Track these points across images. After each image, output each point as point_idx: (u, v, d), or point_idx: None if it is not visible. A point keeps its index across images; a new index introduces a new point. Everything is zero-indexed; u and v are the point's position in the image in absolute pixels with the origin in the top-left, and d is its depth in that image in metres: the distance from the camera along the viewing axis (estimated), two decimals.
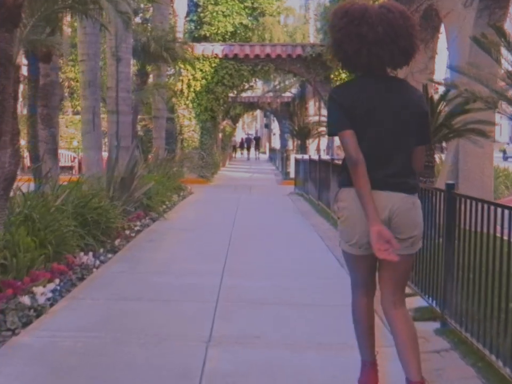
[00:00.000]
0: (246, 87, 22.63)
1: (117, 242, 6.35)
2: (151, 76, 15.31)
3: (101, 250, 5.76)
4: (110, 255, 5.85)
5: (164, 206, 10.06)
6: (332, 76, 18.53)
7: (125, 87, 9.97)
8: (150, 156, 15.55)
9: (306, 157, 16.10)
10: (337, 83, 18.47)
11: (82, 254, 5.27)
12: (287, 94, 30.79)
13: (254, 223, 8.77)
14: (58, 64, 7.05)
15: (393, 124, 2.43)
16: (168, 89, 13.85)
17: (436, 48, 11.73)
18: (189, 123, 18.98)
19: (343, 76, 18.27)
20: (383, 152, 2.42)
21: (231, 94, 21.02)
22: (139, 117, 22.29)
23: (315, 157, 18.85)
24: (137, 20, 28.34)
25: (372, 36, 2.37)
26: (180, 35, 17.70)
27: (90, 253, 5.41)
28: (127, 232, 7.11)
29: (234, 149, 42.28)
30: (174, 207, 10.90)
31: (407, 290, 4.60)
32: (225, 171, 24.39)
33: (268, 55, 18.06)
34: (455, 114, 6.90)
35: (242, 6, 28.57)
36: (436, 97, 7.30)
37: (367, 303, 2.62)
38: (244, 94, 28.38)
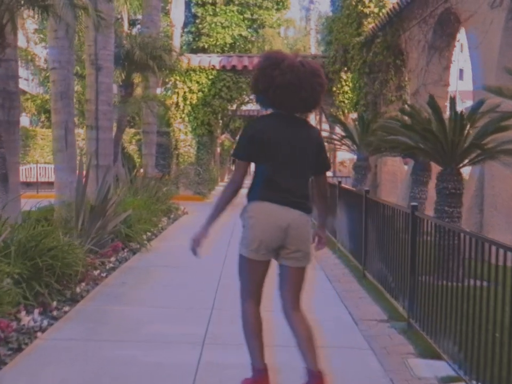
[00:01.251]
0: (246, 100, 21.69)
1: (79, 288, 5.18)
2: (139, 87, 14.25)
3: (55, 302, 4.61)
4: (66, 308, 4.69)
5: (149, 233, 8.93)
6: (334, 89, 17.53)
7: (105, 99, 8.87)
8: (140, 173, 14.45)
9: None
10: (340, 96, 17.48)
11: (24, 313, 4.10)
12: None
13: None
14: (17, 71, 5.92)
15: (293, 155, 2.90)
16: (158, 102, 12.75)
17: (451, 58, 10.64)
18: (184, 137, 18.13)
19: (346, 88, 17.27)
20: (283, 176, 2.88)
21: (230, 107, 20.05)
22: (133, 131, 21.37)
23: None
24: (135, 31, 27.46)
25: (279, 80, 2.80)
26: (175, 46, 16.72)
27: (36, 311, 4.25)
28: (97, 272, 5.97)
29: (234, 162, 41.28)
30: (162, 233, 9.77)
31: (449, 371, 3.50)
32: (223, 186, 23.24)
33: None
34: (488, 132, 5.78)
35: (241, 17, 27.73)
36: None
37: (256, 311, 2.95)
38: (244, 107, 27.45)
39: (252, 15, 28.23)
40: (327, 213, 3.23)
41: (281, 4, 29.25)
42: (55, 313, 4.50)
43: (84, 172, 7.55)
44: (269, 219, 2.83)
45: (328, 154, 3.15)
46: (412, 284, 4.27)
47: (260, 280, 2.93)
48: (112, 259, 6.68)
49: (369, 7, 13.99)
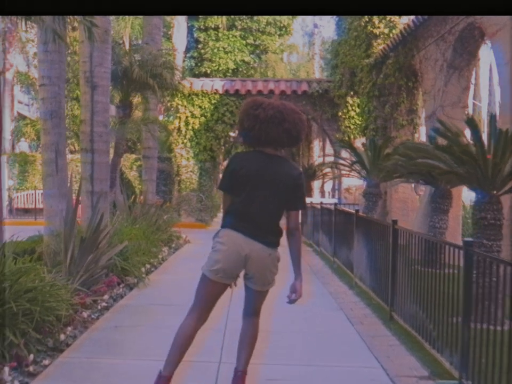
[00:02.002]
0: None
1: (64, 334, 4.42)
2: (138, 110, 13.63)
3: (32, 355, 3.84)
4: (46, 361, 3.92)
5: (148, 265, 8.18)
6: (340, 114, 16.98)
7: (101, 120, 8.19)
8: (140, 199, 13.78)
9: (315, 201, 14.34)
10: (346, 121, 16.90)
11: None
12: None
13: None
14: None
15: (265, 190, 3.16)
16: (159, 125, 12.12)
17: (471, 78, 10.01)
18: (186, 163, 17.61)
19: (352, 113, 16.70)
20: (254, 209, 3.15)
21: (233, 133, 19.56)
22: (134, 156, 20.72)
23: (328, 200, 17.07)
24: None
25: (263, 115, 3.12)
26: (178, 69, 16.22)
27: (7, 368, 3.49)
28: (87, 313, 5.21)
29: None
30: (162, 264, 9.03)
31: None
32: None
33: (271, 91, 16.68)
34: None
35: (244, 42, 27.43)
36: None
37: (195, 327, 3.15)
38: None
39: (254, 40, 27.96)
40: (299, 257, 3.24)
41: (284, 29, 28.98)
42: (31, 368, 3.75)
43: (75, 199, 6.86)
44: (232, 247, 3.11)
45: (305, 195, 3.29)
46: (465, 334, 3.50)
47: (211, 301, 3.19)
48: (106, 297, 5.93)
49: (379, 27, 13.48)
